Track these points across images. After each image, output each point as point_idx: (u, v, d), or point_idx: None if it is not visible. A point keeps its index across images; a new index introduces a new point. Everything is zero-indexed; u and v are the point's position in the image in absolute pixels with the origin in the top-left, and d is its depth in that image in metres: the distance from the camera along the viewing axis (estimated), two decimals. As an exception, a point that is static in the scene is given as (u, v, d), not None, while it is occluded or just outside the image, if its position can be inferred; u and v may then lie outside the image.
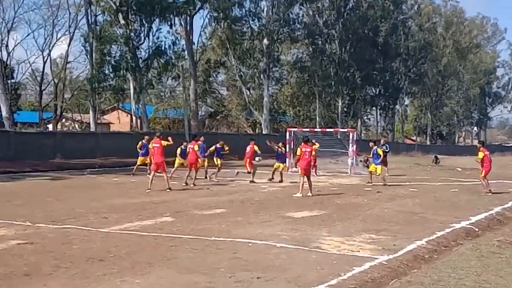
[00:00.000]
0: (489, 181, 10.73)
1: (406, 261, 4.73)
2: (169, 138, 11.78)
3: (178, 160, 12.72)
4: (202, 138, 13.06)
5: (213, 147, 13.13)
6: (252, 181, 12.24)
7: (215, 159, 12.99)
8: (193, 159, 11.13)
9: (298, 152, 9.93)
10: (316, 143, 14.38)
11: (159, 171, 10.28)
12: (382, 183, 11.72)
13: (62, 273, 4.03)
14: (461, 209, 8.38)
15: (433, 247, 5.46)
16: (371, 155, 12.55)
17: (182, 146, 12.82)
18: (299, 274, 4.08)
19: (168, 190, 9.99)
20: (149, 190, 9.91)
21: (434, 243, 5.63)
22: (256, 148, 12.73)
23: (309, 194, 9.59)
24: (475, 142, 63.37)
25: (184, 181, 11.18)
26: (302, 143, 10.43)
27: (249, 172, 12.05)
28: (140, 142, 13.75)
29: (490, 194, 10.15)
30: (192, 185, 11.00)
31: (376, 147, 12.41)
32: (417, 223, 6.94)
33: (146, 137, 13.44)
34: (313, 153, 10.96)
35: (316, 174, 14.44)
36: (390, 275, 4.23)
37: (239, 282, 3.79)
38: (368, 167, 13.14)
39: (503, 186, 12.03)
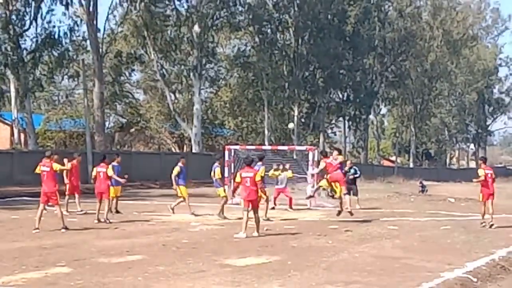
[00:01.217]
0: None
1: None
2: (71, 162, 12.99)
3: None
4: (118, 159, 14.45)
5: (218, 170, 14.04)
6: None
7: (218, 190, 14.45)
8: (104, 188, 12.55)
9: (238, 179, 11.03)
10: (285, 170, 15.71)
11: (50, 204, 11.42)
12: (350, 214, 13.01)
13: None
14: (455, 253, 9.24)
15: None
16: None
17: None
18: None
19: (63, 230, 10.91)
20: (37, 231, 10.83)
21: None
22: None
23: (255, 233, 10.56)
24: (472, 164, 66.60)
25: (96, 217, 12.52)
26: (244, 166, 11.51)
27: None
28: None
29: (485, 226, 11.76)
30: (103, 221, 12.25)
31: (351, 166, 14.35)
32: (398, 272, 7.60)
33: (48, 157, 13.25)
34: (258, 178, 11.63)
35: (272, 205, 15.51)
36: None
37: None
38: (333, 196, 14.55)
39: (507, 221, 13.34)
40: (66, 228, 10.96)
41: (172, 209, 14.15)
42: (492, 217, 11.48)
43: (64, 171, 13.83)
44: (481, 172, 12.58)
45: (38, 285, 6.32)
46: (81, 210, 14.13)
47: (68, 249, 9.20)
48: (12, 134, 35.75)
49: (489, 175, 12.59)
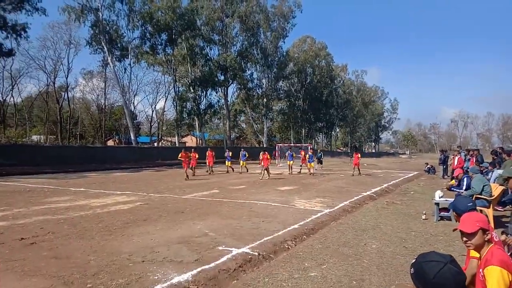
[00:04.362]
0: (379, 171, 20.42)
1: (339, 212, 8.83)
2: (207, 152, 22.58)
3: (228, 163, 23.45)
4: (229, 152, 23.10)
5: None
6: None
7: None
8: (210, 160, 21.86)
9: (260, 157, 18.23)
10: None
11: (192, 167, 19.18)
12: (311, 173, 19.87)
13: (162, 219, 8.11)
14: (367, 185, 13.82)
15: (353, 205, 9.45)
16: (308, 158, 21.79)
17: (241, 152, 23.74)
18: (284, 219, 8.01)
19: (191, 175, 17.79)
20: (207, 174, 18.32)
21: (353, 203, 9.76)
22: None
23: (265, 178, 16.77)
24: (373, 151, 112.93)
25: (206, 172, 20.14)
26: (265, 152, 18.85)
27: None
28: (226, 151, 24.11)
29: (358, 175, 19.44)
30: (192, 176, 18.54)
31: (311, 153, 21.47)
32: (344, 193, 11.45)
33: (194, 149, 20.41)
34: (267, 157, 18.58)
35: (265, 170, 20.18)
36: (331, 219, 8.22)
37: (253, 223, 7.70)
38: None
39: (387, 173, 22.04)
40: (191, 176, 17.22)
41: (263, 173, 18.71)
42: None
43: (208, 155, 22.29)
44: (355, 156, 18.62)
45: (206, 196, 10.49)
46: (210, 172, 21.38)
47: (217, 183, 14.33)
48: (196, 141, 54.56)
49: (357, 156, 19.31)
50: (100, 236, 6.81)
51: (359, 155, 22.00)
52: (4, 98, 52.60)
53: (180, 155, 19.19)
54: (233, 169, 24.46)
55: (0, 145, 30.87)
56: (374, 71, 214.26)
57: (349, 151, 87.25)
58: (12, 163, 26.72)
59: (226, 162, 24.49)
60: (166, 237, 6.70)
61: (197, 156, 21.23)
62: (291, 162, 23.25)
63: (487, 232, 2.66)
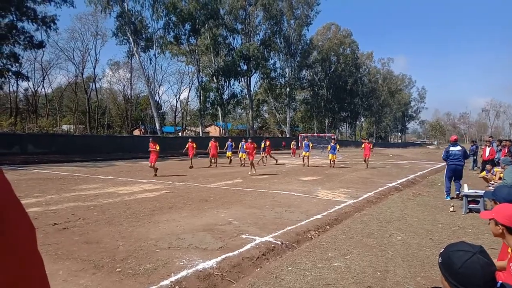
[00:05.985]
0: (405, 162, 20.31)
1: (363, 203, 8.78)
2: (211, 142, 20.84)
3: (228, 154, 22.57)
4: (230, 140, 22.58)
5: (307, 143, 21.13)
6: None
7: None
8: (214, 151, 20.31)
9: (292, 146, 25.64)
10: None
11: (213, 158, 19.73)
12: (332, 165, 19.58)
13: (187, 207, 8.43)
14: (392, 176, 13.62)
15: (377, 196, 9.31)
16: (330, 148, 21.50)
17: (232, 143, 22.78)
18: (307, 209, 8.09)
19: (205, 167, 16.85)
20: (215, 166, 18.24)
21: (378, 194, 9.57)
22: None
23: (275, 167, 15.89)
24: (399, 141, 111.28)
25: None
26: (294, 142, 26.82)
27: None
28: (226, 143, 22.78)
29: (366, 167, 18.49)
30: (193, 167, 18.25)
31: (333, 144, 21.20)
32: (369, 183, 11.30)
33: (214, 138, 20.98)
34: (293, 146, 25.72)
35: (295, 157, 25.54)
36: (354, 210, 8.22)
37: (276, 212, 7.93)
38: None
39: (414, 164, 21.98)
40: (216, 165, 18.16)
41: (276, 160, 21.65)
42: None
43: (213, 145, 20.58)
44: (365, 146, 17.04)
45: (230, 186, 10.76)
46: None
47: (240, 173, 14.97)
48: (219, 131, 60.32)
49: (369, 146, 18.00)
50: (128, 223, 7.03)
51: (371, 146, 19.89)
52: (36, 89, 54.70)
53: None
54: (231, 160, 22.94)
55: (32, 134, 32.33)
56: (401, 59, 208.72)
57: (374, 141, 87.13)
58: (44, 151, 27.89)
59: (227, 152, 22.96)
60: (191, 225, 6.84)
61: (194, 146, 20.03)
62: (307, 153, 21.24)
63: None
